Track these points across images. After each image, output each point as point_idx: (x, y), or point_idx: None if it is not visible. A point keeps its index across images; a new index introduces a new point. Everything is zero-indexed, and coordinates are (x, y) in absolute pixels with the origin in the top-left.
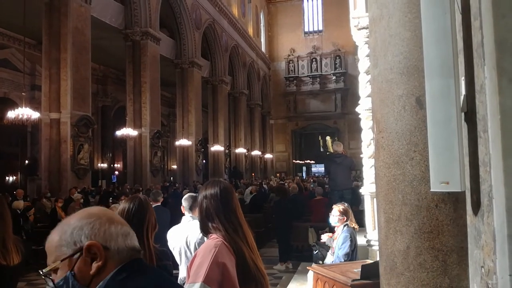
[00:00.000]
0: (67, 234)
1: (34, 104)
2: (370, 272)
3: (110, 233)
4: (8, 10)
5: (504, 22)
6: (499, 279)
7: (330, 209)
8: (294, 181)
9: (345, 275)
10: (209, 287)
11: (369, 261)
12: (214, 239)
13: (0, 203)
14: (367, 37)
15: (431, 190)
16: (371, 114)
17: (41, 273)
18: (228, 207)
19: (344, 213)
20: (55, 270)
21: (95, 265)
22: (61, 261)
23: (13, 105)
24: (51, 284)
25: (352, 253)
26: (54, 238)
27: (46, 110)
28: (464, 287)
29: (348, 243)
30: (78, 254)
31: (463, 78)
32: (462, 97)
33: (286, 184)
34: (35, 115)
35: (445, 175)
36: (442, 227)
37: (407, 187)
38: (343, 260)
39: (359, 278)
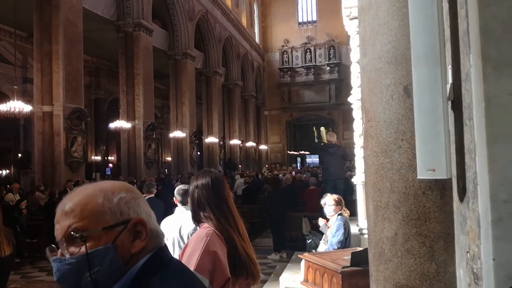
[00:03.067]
0: (112, 202)
1: (26, 97)
2: (360, 259)
3: (149, 214)
4: None
5: (489, 10)
6: (484, 264)
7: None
8: (288, 171)
9: (336, 262)
10: (201, 275)
11: (359, 249)
12: (206, 228)
13: None
14: None
15: (418, 177)
16: None
17: (73, 234)
18: (220, 196)
19: (338, 202)
20: (75, 238)
21: (139, 244)
22: (103, 228)
23: (5, 98)
24: (77, 249)
25: (346, 241)
26: (96, 201)
27: (38, 103)
28: (451, 272)
29: (341, 231)
30: (122, 227)
31: (450, 66)
32: (448, 86)
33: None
34: (27, 108)
35: (431, 162)
36: (429, 214)
37: (395, 175)
38: (336, 248)
39: (349, 265)
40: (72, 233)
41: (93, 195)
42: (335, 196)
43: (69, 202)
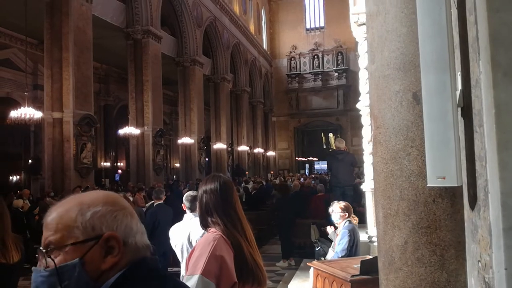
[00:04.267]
0: (85, 216)
1: (37, 103)
2: (370, 268)
3: (131, 228)
4: (9, 10)
5: (498, 17)
6: (495, 273)
7: (329, 206)
8: (296, 177)
9: (345, 270)
10: (207, 279)
11: (369, 257)
12: (213, 232)
13: None
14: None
15: (428, 185)
16: None
17: (41, 249)
18: (228, 201)
19: (345, 209)
20: (53, 250)
21: (110, 259)
22: (72, 244)
23: (16, 104)
24: (48, 261)
25: (351, 249)
26: (70, 215)
27: (48, 109)
28: (462, 282)
29: (346, 239)
30: (93, 242)
31: (459, 73)
32: (458, 92)
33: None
34: (37, 114)
35: (441, 170)
36: (440, 222)
37: (404, 183)
38: (340, 256)
39: (358, 273)
40: (40, 248)
41: (70, 208)
42: (342, 203)
43: (51, 214)
